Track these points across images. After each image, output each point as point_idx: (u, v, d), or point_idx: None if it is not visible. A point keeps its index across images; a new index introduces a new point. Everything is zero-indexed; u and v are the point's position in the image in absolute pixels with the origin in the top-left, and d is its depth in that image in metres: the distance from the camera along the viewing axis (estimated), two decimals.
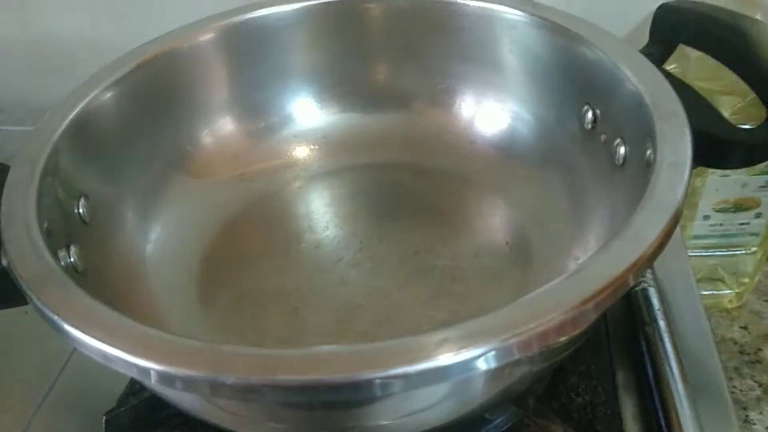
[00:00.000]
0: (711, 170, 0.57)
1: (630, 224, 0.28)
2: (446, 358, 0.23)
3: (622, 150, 0.38)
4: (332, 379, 0.23)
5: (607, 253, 0.27)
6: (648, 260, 0.27)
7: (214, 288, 0.40)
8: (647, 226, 0.28)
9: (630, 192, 0.35)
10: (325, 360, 0.23)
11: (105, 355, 0.25)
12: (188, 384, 0.24)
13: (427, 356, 0.23)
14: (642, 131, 0.34)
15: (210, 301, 0.40)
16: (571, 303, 0.25)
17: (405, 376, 0.23)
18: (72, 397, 0.40)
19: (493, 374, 0.28)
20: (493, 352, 0.24)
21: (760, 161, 0.36)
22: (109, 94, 0.39)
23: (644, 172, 0.33)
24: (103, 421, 0.36)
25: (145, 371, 0.24)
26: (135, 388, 0.38)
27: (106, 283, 0.35)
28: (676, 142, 0.32)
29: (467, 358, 0.23)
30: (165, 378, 0.24)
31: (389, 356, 0.23)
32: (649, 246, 0.27)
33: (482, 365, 0.24)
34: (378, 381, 0.23)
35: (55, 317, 0.26)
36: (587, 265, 0.26)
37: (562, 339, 0.28)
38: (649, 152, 0.33)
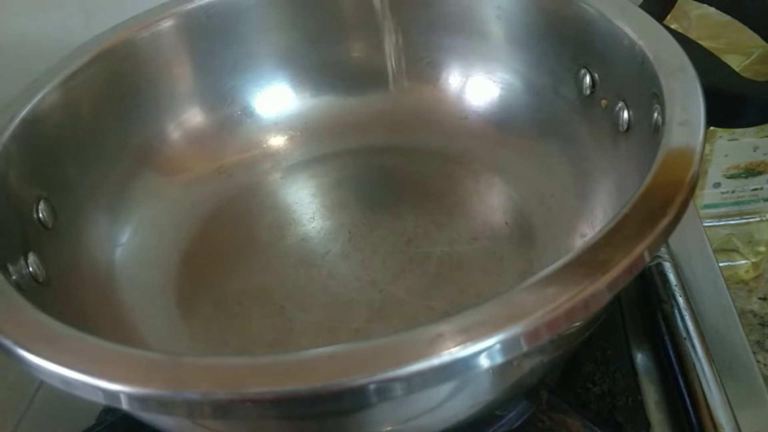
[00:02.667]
0: (719, 134, 0.54)
1: (642, 194, 0.25)
2: (442, 357, 0.20)
3: (625, 114, 0.35)
4: (310, 389, 0.20)
5: (619, 227, 0.24)
6: (665, 233, 0.24)
7: (193, 291, 0.37)
8: (661, 194, 0.25)
9: (637, 159, 0.32)
10: (300, 367, 0.20)
11: (51, 374, 0.22)
12: (147, 404, 0.21)
13: (419, 356, 0.20)
14: (647, 91, 0.31)
15: (190, 305, 0.37)
16: (581, 285, 0.22)
17: (394, 380, 0.20)
18: (49, 416, 0.38)
19: (499, 369, 0.25)
20: (497, 346, 0.21)
21: None
22: (61, 91, 0.36)
23: (652, 136, 0.30)
24: None
25: (97, 391, 0.21)
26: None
27: (74, 292, 0.33)
28: (686, 99, 0.29)
29: (467, 354, 0.20)
30: (120, 398, 0.21)
31: (374, 358, 0.20)
32: (666, 217, 0.24)
33: (485, 362, 0.21)
34: (362, 388, 0.20)
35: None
36: (597, 243, 0.23)
37: (574, 326, 0.25)
38: (656, 114, 0.30)
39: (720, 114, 0.33)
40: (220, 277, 0.38)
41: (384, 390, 0.20)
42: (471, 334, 0.20)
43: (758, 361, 0.57)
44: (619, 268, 0.22)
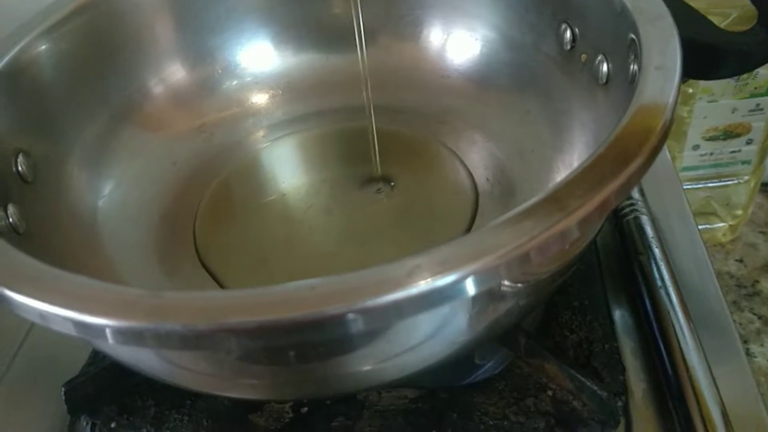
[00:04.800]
0: (699, 96, 0.55)
1: (615, 135, 0.25)
2: (420, 287, 0.20)
3: (604, 67, 0.35)
4: (291, 318, 0.20)
5: (592, 167, 0.24)
6: (636, 174, 0.24)
7: (175, 246, 0.38)
8: (635, 136, 0.25)
9: (615, 111, 0.32)
10: (281, 298, 0.21)
11: (38, 313, 0.22)
12: (131, 337, 0.21)
13: (397, 285, 0.20)
14: (625, 41, 0.31)
15: (171, 260, 0.37)
16: (554, 220, 0.22)
17: (373, 310, 0.20)
18: (33, 372, 0.38)
19: (476, 306, 0.25)
20: (471, 277, 0.21)
21: (756, 66, 0.34)
22: (43, 42, 0.35)
23: (629, 87, 0.30)
24: (62, 392, 0.33)
25: (83, 325, 0.21)
26: (98, 357, 0.36)
27: (54, 245, 0.32)
28: (663, 45, 0.29)
29: (443, 284, 0.21)
30: (105, 332, 0.21)
31: (354, 289, 0.21)
32: (638, 158, 0.24)
33: (460, 292, 0.21)
34: (342, 317, 0.20)
35: None
36: (569, 181, 0.24)
37: (547, 261, 0.26)
38: (633, 66, 0.31)
39: (698, 65, 0.34)
40: (201, 234, 0.39)
41: (363, 320, 0.21)
42: (447, 265, 0.21)
43: (734, 320, 0.59)
44: (591, 205, 0.23)
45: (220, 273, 0.37)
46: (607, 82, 0.35)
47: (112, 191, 0.38)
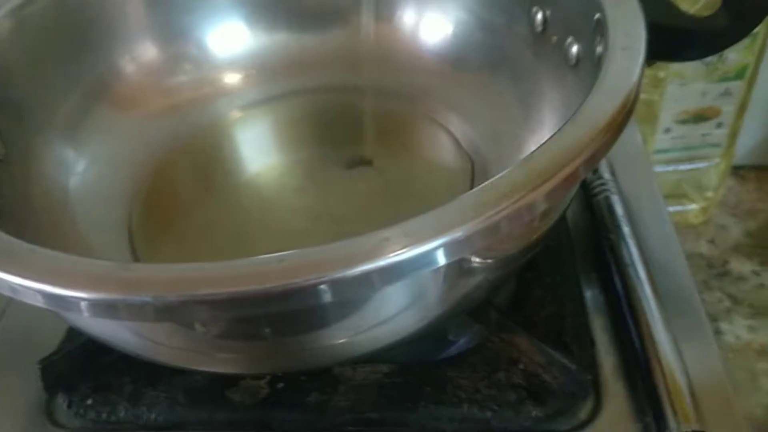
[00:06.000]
0: (670, 80, 0.56)
1: (580, 111, 0.26)
2: (388, 258, 0.21)
3: (574, 49, 0.35)
4: (261, 290, 0.21)
5: (557, 141, 0.25)
6: (601, 149, 0.25)
7: (148, 227, 0.38)
8: (598, 110, 0.26)
9: (584, 92, 0.33)
10: (251, 270, 0.21)
11: (9, 286, 0.22)
12: (101, 309, 0.21)
13: (366, 258, 0.21)
14: (592, 23, 0.32)
15: (145, 241, 0.37)
16: (519, 192, 0.23)
17: (342, 281, 0.21)
18: (9, 350, 0.38)
19: (446, 279, 0.26)
20: (439, 249, 0.21)
21: (721, 49, 0.35)
22: (9, 21, 0.35)
23: (597, 68, 0.31)
24: (39, 369, 0.33)
25: (55, 298, 0.22)
26: (73, 335, 0.36)
27: (26, 223, 0.33)
28: (628, 27, 0.30)
29: (411, 256, 0.21)
30: (75, 304, 0.21)
31: (324, 261, 0.21)
32: (601, 130, 0.25)
33: (429, 264, 0.22)
34: (313, 288, 0.21)
35: None
36: (535, 155, 0.24)
37: (515, 234, 0.26)
38: (599, 48, 0.31)
39: (664, 48, 0.34)
40: (175, 215, 0.39)
41: (332, 291, 0.21)
42: (415, 237, 0.21)
43: (704, 299, 0.60)
44: (557, 178, 0.23)
45: (195, 253, 0.37)
46: (576, 64, 0.35)
47: (85, 170, 0.38)
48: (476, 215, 0.22)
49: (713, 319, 0.59)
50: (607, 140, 0.25)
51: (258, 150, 0.42)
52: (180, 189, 0.40)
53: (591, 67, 0.32)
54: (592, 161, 0.24)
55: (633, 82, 0.27)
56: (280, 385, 0.33)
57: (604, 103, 0.26)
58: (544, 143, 0.25)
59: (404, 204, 0.38)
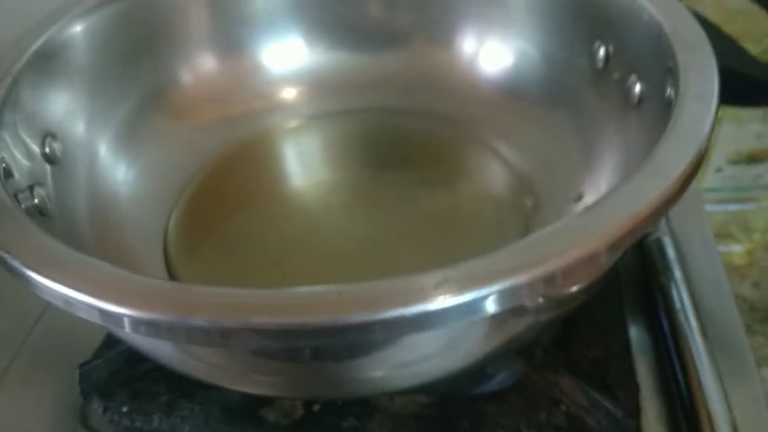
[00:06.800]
0: (725, 120, 0.54)
1: (652, 157, 0.25)
2: (446, 300, 0.20)
3: (637, 88, 0.35)
4: (317, 323, 0.20)
5: (627, 187, 0.24)
6: (673, 196, 0.24)
7: (194, 236, 0.38)
8: (672, 159, 0.25)
9: (647, 133, 0.32)
10: (309, 302, 0.21)
11: (63, 298, 0.22)
12: (154, 329, 0.21)
13: (425, 297, 0.20)
14: (661, 66, 0.31)
15: (190, 250, 0.37)
16: (585, 241, 0.22)
17: (399, 320, 0.20)
18: (46, 351, 0.38)
19: (497, 321, 0.25)
20: (497, 294, 0.21)
21: None
22: (75, 26, 0.35)
23: (664, 111, 0.30)
24: (77, 373, 0.34)
25: (109, 315, 0.21)
26: (112, 341, 0.36)
27: (76, 228, 0.33)
28: (701, 74, 0.29)
29: (470, 299, 0.21)
30: (130, 323, 0.21)
31: (382, 297, 0.21)
32: (675, 180, 0.24)
33: (486, 308, 0.21)
34: (369, 325, 0.20)
35: (6, 255, 0.23)
36: (604, 201, 0.24)
37: (571, 283, 0.26)
38: (669, 90, 0.30)
39: (732, 94, 0.33)
40: (222, 226, 0.39)
41: (386, 329, 0.21)
42: (475, 280, 0.21)
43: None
44: (620, 230, 0.23)
45: (238, 267, 0.37)
46: (639, 104, 0.34)
47: (135, 177, 0.38)
48: (542, 261, 0.21)
49: (756, 364, 0.57)
50: (678, 191, 0.24)
51: (306, 166, 0.42)
52: (227, 200, 0.40)
53: (656, 109, 0.32)
54: (658, 214, 0.24)
55: (706, 132, 0.26)
56: (316, 407, 0.33)
57: (676, 152, 0.25)
58: (613, 189, 0.24)
59: (450, 232, 0.38)
